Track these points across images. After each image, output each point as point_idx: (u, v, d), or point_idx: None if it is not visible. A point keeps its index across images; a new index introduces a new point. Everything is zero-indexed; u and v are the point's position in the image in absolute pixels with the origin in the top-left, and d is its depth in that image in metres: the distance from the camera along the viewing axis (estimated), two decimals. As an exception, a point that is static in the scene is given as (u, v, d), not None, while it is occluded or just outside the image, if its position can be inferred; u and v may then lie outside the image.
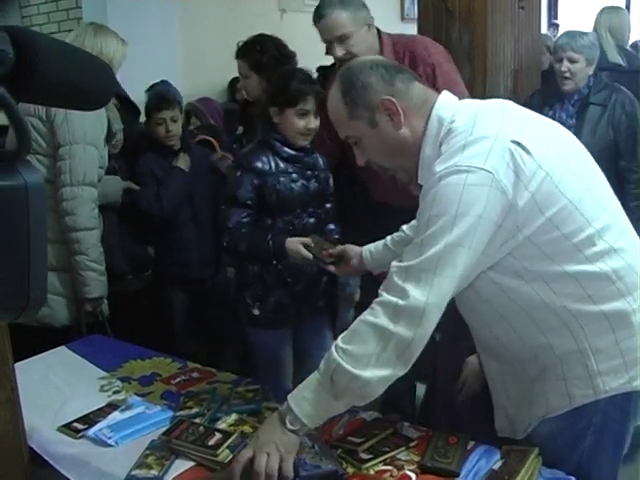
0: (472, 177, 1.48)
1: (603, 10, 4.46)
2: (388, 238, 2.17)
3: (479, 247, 1.50)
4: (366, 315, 1.57)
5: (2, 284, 0.68)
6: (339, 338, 1.59)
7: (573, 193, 1.56)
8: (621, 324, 1.60)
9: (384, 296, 1.55)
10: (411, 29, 4.15)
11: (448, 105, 1.68)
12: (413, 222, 2.04)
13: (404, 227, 2.13)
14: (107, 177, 3.24)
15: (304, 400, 1.60)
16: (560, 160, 1.58)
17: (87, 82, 0.83)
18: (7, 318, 0.72)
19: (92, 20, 3.71)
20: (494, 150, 1.50)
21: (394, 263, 1.58)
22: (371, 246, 2.21)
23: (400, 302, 1.50)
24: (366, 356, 1.53)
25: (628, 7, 6.84)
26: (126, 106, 3.66)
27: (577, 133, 3.19)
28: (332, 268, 2.27)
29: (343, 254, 2.23)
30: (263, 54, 3.15)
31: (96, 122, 2.97)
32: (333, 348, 1.58)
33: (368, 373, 1.52)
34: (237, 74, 5.48)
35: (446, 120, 1.64)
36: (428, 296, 1.49)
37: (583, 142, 1.73)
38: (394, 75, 1.69)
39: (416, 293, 1.49)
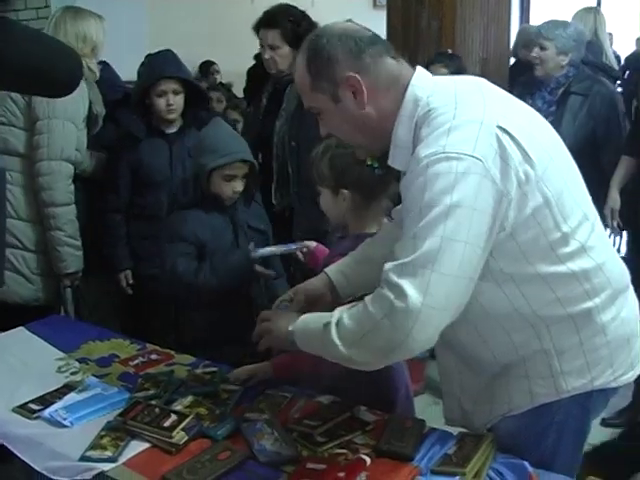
0: (462, 165, 1.40)
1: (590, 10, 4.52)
2: (356, 255, 1.95)
3: (476, 241, 1.42)
4: (368, 300, 1.49)
5: None
6: (348, 307, 1.55)
7: (555, 186, 1.51)
8: (586, 323, 1.59)
9: (384, 289, 1.45)
10: (383, 16, 4.14)
11: (424, 83, 1.59)
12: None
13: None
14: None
15: (306, 323, 1.64)
16: (543, 150, 1.53)
17: (53, 67, 0.79)
18: None
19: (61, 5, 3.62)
20: (481, 136, 1.44)
21: (388, 264, 1.47)
22: (337, 269, 1.94)
23: (397, 303, 1.41)
24: (352, 334, 1.49)
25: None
26: (192, 92, 3.21)
27: (558, 121, 3.22)
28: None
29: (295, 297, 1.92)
30: (298, 25, 2.97)
31: (78, 99, 2.93)
32: (337, 311, 1.54)
33: (347, 351, 1.49)
34: (207, 57, 5.41)
35: (422, 100, 1.55)
36: (425, 295, 1.39)
37: (563, 131, 1.71)
38: (363, 49, 1.56)
39: (413, 293, 1.39)
